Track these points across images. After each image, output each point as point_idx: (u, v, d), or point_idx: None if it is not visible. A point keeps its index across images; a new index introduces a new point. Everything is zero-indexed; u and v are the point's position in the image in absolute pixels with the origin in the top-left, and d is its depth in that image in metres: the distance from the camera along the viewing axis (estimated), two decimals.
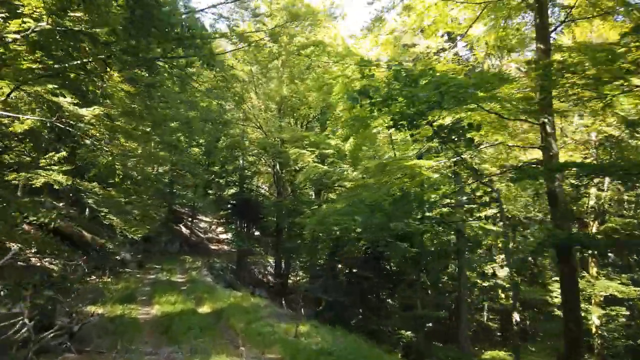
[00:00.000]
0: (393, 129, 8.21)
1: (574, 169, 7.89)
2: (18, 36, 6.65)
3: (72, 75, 9.16)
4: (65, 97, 8.86)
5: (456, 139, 8.14)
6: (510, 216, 23.31)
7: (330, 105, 21.67)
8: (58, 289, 11.13)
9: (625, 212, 20.89)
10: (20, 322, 6.63)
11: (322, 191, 25.27)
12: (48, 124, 9.32)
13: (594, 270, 18.75)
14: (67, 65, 8.54)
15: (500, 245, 23.34)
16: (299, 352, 6.99)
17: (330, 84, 20.35)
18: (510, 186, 19.37)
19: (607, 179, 17.25)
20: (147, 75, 11.76)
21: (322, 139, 21.05)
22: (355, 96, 7.29)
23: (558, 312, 18.67)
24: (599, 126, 15.56)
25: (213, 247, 41.57)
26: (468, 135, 8.02)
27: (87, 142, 9.79)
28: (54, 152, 13.20)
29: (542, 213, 24.19)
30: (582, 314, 11.99)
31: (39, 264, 13.40)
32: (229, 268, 22.71)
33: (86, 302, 9.94)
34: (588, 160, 17.01)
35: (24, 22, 6.45)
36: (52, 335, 6.96)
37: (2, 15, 6.49)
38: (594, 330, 17.76)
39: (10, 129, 8.77)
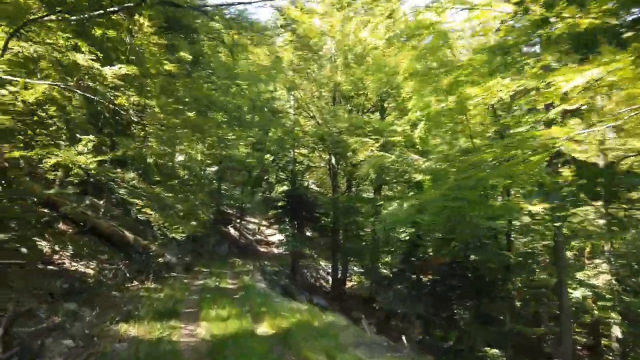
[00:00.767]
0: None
1: None
2: None
3: (92, 29, 7.16)
4: (83, 53, 6.87)
5: None
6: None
7: (395, 88, 18.93)
8: (87, 298, 9.19)
9: None
10: None
11: (382, 186, 22.51)
12: (66, 91, 7.26)
13: None
14: (87, 15, 6.45)
15: (603, 246, 19.48)
16: None
17: (393, 68, 17.68)
18: None
19: None
20: (187, 41, 9.74)
21: (386, 125, 18.32)
22: None
23: None
24: None
25: (262, 250, 39.88)
26: None
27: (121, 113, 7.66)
28: (87, 138, 11.46)
29: None
30: None
31: (73, 268, 11.66)
32: (283, 272, 20.42)
33: (119, 316, 7.85)
34: None
35: None
36: None
37: None
38: None
39: (19, 96, 6.78)
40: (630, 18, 4.58)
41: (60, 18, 6.00)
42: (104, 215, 15.59)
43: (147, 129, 22.13)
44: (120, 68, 6.70)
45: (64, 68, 6.95)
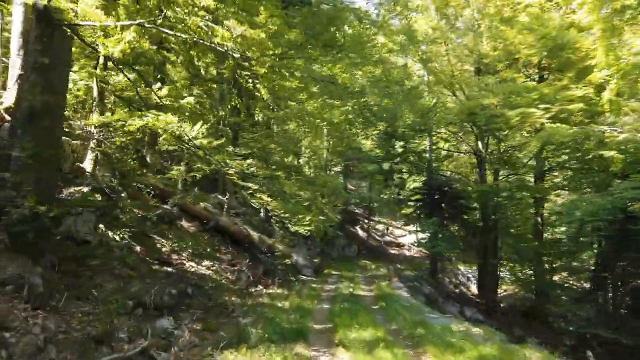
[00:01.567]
0: None
1: None
2: None
3: None
4: None
5: None
6: None
7: (564, 46, 14.43)
8: (194, 307, 7.44)
9: None
10: None
11: (547, 173, 17.72)
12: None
13: None
14: None
15: None
16: None
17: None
18: None
19: None
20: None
21: (554, 92, 13.85)
22: None
23: None
24: None
25: (392, 252, 36.94)
26: None
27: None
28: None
29: None
30: None
31: (192, 269, 10.35)
32: (422, 277, 17.19)
33: (231, 336, 5.81)
34: None
35: None
36: None
37: None
38: None
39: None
40: None
41: None
42: (227, 213, 14.48)
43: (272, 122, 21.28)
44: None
45: None
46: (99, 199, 9.45)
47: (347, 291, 12.38)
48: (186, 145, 11.18)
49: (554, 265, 16.85)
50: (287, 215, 9.54)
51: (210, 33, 5.31)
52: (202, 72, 11.74)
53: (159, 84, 8.34)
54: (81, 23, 5.12)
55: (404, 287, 13.55)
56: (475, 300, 19.93)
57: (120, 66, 8.74)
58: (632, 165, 13.10)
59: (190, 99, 8.79)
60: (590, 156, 14.31)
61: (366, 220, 36.58)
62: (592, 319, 11.24)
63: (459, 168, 23.02)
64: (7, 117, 7.74)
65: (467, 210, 16.86)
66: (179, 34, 5.66)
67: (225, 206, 14.43)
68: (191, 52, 8.47)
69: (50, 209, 4.80)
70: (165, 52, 10.54)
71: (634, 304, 11.63)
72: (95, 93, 10.48)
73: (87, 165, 10.24)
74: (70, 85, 10.15)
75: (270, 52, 9.01)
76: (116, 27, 5.07)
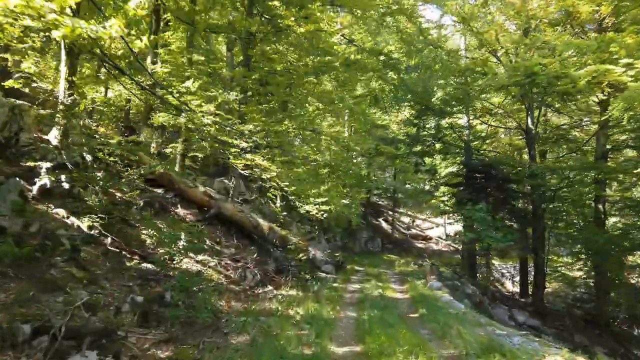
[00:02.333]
0: None
1: None
2: None
3: None
4: None
5: None
6: None
7: None
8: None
9: None
10: None
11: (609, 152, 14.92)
12: None
13: None
14: None
15: None
16: None
17: None
18: None
19: None
20: None
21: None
22: None
23: None
24: None
25: (419, 245, 34.50)
26: None
27: None
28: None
29: None
30: None
31: (184, 265, 8.30)
32: (462, 275, 14.77)
33: None
34: None
35: None
36: None
37: None
38: None
39: None
40: None
41: None
42: (233, 199, 12.40)
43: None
44: None
45: None
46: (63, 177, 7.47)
47: (375, 292, 10.15)
48: (186, 108, 9.18)
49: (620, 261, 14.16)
50: (294, 187, 7.23)
51: None
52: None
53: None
54: None
55: (443, 287, 11.20)
56: (520, 301, 17.37)
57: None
58: None
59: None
60: None
61: (390, 212, 34.20)
62: None
63: (501, 148, 20.23)
64: None
65: (518, 196, 14.22)
66: None
67: (231, 191, 12.36)
68: None
69: None
70: None
71: None
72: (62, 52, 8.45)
73: (53, 137, 8.28)
74: None
75: None
76: None
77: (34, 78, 8.80)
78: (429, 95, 15.12)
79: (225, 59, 14.72)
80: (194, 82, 8.37)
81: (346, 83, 15.42)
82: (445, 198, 20.28)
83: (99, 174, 8.06)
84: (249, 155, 9.29)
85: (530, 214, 14.20)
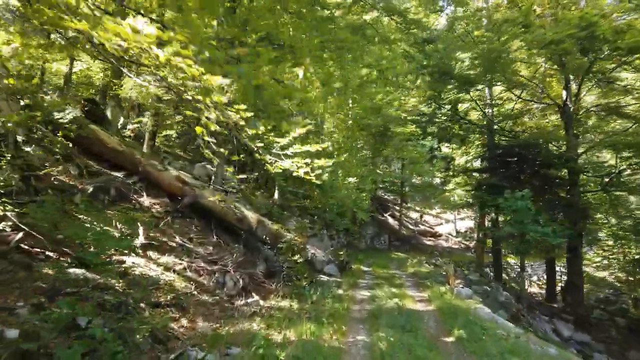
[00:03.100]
0: None
1: None
2: None
3: None
4: None
5: None
6: None
7: None
8: None
9: None
10: None
11: None
12: None
13: None
14: None
15: None
16: None
17: None
18: None
19: None
20: None
21: None
22: None
23: None
24: None
25: (427, 242, 32.37)
26: None
27: None
28: None
29: None
30: None
31: (138, 270, 6.18)
32: (489, 278, 12.57)
33: None
34: None
35: None
36: None
37: None
38: None
39: None
40: None
41: None
42: (216, 186, 10.26)
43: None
44: None
45: None
46: None
47: (390, 302, 8.01)
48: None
49: None
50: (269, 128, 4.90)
51: None
52: None
53: None
54: None
55: (472, 294, 9.03)
56: (553, 307, 15.13)
57: None
58: None
59: None
60: None
61: (397, 207, 32.01)
62: None
63: (530, 126, 17.69)
64: None
65: (560, 184, 11.90)
66: None
67: (213, 177, 10.23)
68: None
69: None
70: None
71: None
72: None
73: None
74: None
75: None
76: None
77: None
78: (449, 64, 12.69)
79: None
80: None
81: (353, 55, 13.19)
82: (461, 191, 17.99)
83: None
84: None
85: (573, 204, 11.84)
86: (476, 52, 11.12)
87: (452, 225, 35.42)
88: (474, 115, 14.43)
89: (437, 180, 33.28)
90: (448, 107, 13.48)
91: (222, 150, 9.30)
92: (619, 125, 12.51)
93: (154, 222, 7.66)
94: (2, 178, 5.32)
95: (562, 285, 14.52)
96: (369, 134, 19.74)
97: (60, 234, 5.73)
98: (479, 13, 12.00)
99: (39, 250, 5.19)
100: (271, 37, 10.73)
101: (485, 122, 13.72)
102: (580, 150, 12.06)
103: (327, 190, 12.35)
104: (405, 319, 6.64)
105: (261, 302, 7.24)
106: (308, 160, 3.46)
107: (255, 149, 3.42)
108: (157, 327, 4.58)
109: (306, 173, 3.42)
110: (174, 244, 7.54)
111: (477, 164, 16.65)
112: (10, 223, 5.36)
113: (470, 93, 12.89)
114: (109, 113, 10.42)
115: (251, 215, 9.10)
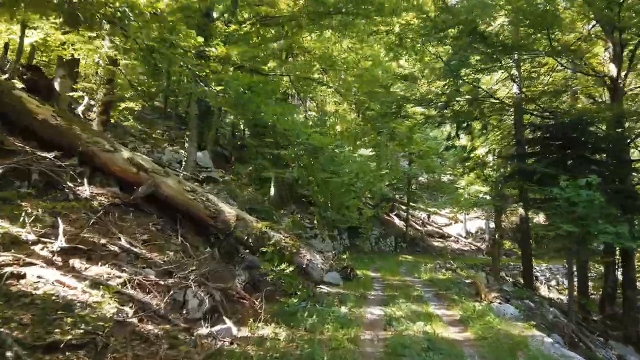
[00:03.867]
0: None
1: None
2: None
3: None
4: None
5: None
6: None
7: None
8: None
9: None
10: None
11: None
12: None
13: None
14: None
15: None
16: None
17: None
18: None
19: None
20: None
21: None
22: None
23: None
24: None
25: (436, 244, 30.30)
26: None
27: None
28: None
29: None
30: None
31: (42, 287, 4.11)
32: (520, 286, 10.41)
33: None
34: None
35: None
36: None
37: None
38: None
39: None
40: None
41: None
42: (183, 174, 8.16)
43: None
44: None
45: None
46: None
47: (413, 326, 5.87)
48: None
49: None
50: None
51: None
52: None
53: None
54: None
55: (518, 313, 6.89)
56: (595, 322, 12.87)
57: None
58: None
59: None
60: None
61: (403, 207, 29.91)
62: None
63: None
64: None
65: (619, 168, 9.60)
66: None
67: (184, 162, 8.12)
68: None
69: None
70: None
71: None
72: None
73: None
74: None
75: None
76: None
77: None
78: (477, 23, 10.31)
79: None
80: None
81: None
82: (479, 187, 15.79)
83: None
84: None
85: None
86: (516, 4, 8.91)
87: (461, 225, 33.27)
88: (502, 94, 12.20)
89: (446, 179, 31.11)
90: (470, 83, 11.25)
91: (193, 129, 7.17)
92: None
93: (88, 219, 5.57)
94: None
95: (604, 293, 12.36)
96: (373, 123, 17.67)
97: None
98: None
99: None
100: None
101: (513, 102, 11.47)
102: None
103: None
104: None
105: (234, 331, 5.14)
106: None
107: None
108: None
109: None
110: (116, 248, 5.44)
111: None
112: None
113: (502, 61, 10.67)
114: (57, 85, 8.35)
115: (227, 211, 7.00)
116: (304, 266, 6.91)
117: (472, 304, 7.37)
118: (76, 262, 4.86)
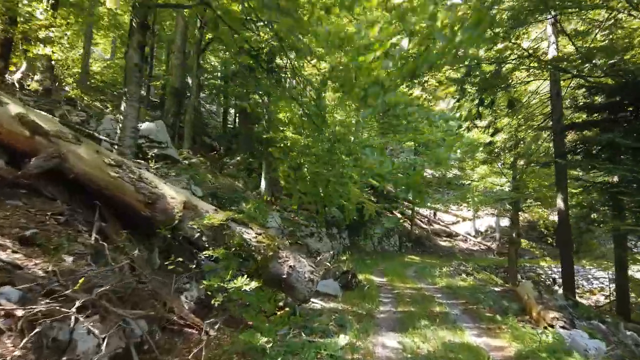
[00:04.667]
0: None
1: None
2: None
3: None
4: None
5: None
6: None
7: None
8: None
9: None
10: None
11: None
12: None
13: None
14: None
15: None
16: None
17: None
18: None
19: None
20: None
21: None
22: None
23: None
24: None
25: (443, 244, 28.22)
26: None
27: None
28: None
29: None
30: None
31: None
32: (575, 301, 8.16)
33: None
34: None
35: None
36: None
37: None
38: None
39: None
40: None
41: None
42: (118, 147, 5.92)
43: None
44: None
45: None
46: None
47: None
48: None
49: None
50: None
51: None
52: None
53: None
54: None
55: (602, 344, 4.66)
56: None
57: None
58: None
59: None
60: None
61: (406, 203, 27.74)
62: None
63: None
64: None
65: None
66: None
67: (119, 131, 5.86)
68: None
69: None
70: None
71: None
72: None
73: None
74: None
75: None
76: None
77: None
78: None
79: None
80: None
81: None
82: (497, 179, 13.51)
83: None
84: None
85: None
86: None
87: (470, 223, 30.99)
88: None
89: (451, 174, 28.78)
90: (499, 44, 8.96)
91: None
92: None
93: None
94: None
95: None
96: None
97: None
98: None
99: None
100: None
101: (550, 64, 9.11)
102: None
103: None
104: None
105: None
106: None
107: None
108: None
109: None
110: None
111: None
112: None
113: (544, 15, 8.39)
114: None
115: (172, 195, 4.75)
116: (283, 276, 4.72)
117: (526, 329, 5.11)
118: None
